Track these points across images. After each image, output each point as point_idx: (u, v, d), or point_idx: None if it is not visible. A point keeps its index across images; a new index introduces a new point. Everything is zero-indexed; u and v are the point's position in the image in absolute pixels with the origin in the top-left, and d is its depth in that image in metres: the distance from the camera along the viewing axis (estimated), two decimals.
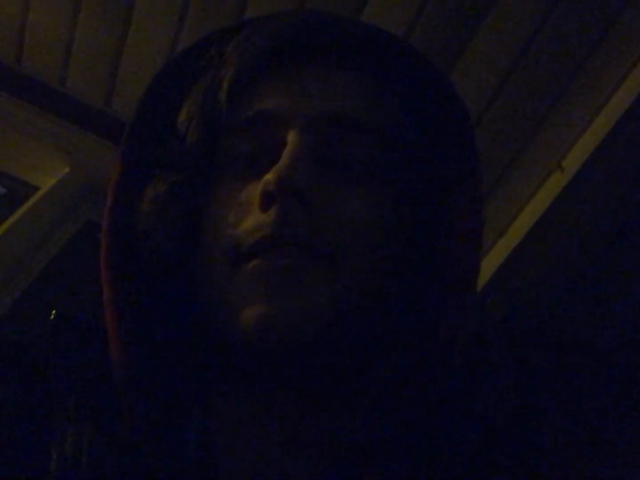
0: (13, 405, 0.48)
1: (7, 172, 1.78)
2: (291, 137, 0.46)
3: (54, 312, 0.49)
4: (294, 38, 0.50)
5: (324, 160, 0.47)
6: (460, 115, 0.52)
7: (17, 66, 1.75)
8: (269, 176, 0.44)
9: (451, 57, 1.50)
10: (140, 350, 0.46)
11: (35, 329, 0.53)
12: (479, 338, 0.51)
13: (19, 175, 1.78)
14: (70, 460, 0.44)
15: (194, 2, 1.58)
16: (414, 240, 0.48)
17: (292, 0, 1.51)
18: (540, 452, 0.44)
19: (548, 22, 1.44)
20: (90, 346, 0.49)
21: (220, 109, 0.49)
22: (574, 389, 0.47)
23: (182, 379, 0.48)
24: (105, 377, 0.47)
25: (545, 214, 1.51)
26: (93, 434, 0.45)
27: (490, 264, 1.58)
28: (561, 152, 1.55)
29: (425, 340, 0.46)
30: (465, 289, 0.47)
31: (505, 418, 0.45)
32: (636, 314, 1.35)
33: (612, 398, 0.46)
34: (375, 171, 0.48)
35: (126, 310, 0.47)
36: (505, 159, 1.61)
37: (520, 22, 1.45)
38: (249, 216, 0.45)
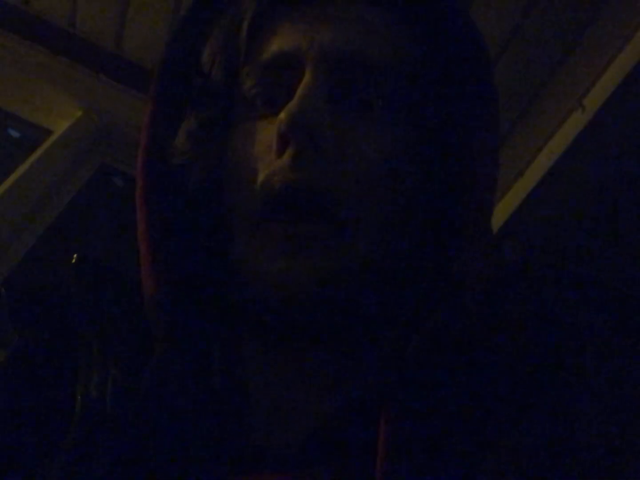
0: (37, 348, 0.50)
1: (20, 116, 1.77)
2: (306, 76, 0.46)
3: (75, 255, 0.50)
4: None
5: (340, 99, 0.47)
6: (480, 55, 0.52)
7: (26, 7, 1.72)
8: (282, 115, 0.44)
9: None
10: (172, 285, 0.48)
11: (53, 274, 0.54)
12: (496, 280, 0.51)
13: (31, 119, 1.78)
14: (94, 402, 0.45)
15: None
16: (430, 181, 0.49)
17: None
18: (564, 405, 0.43)
19: None
20: (112, 290, 0.51)
21: (239, 48, 0.50)
22: (595, 335, 0.46)
23: (208, 316, 0.49)
24: (127, 321, 0.49)
25: (564, 154, 1.49)
26: (117, 376, 0.46)
27: (507, 206, 1.57)
28: (582, 90, 1.51)
29: (439, 281, 0.46)
30: (479, 229, 0.48)
31: (522, 368, 0.45)
32: None
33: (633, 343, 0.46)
34: (392, 110, 0.48)
35: (161, 244, 0.49)
36: (525, 98, 1.58)
37: None
38: (267, 164, 0.46)
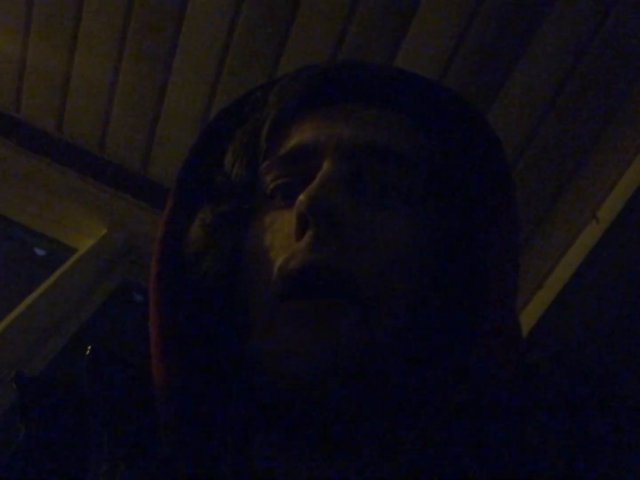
0: (47, 438, 0.49)
1: (47, 235, 1.82)
2: (324, 164, 0.48)
3: (89, 347, 0.50)
4: (329, 81, 0.54)
5: (358, 186, 0.48)
6: (494, 147, 0.53)
7: (58, 133, 1.82)
8: (301, 197, 0.45)
9: (483, 103, 1.52)
10: (183, 374, 0.47)
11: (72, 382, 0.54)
12: (522, 388, 0.50)
13: (58, 238, 1.83)
14: None
15: (227, 66, 1.64)
16: (446, 269, 0.48)
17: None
18: None
19: (578, 70, 1.46)
20: (125, 380, 0.50)
21: (260, 148, 0.53)
22: (622, 452, 0.46)
23: (219, 406, 0.48)
24: (138, 411, 0.48)
25: (582, 265, 1.49)
26: (125, 468, 0.45)
27: (528, 318, 1.55)
28: (596, 202, 1.53)
29: (456, 382, 0.45)
30: (497, 321, 0.47)
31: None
32: None
33: None
34: (408, 199, 0.49)
35: (172, 333, 0.48)
36: (540, 211, 1.60)
37: (552, 69, 1.47)
38: (286, 248, 0.46)
